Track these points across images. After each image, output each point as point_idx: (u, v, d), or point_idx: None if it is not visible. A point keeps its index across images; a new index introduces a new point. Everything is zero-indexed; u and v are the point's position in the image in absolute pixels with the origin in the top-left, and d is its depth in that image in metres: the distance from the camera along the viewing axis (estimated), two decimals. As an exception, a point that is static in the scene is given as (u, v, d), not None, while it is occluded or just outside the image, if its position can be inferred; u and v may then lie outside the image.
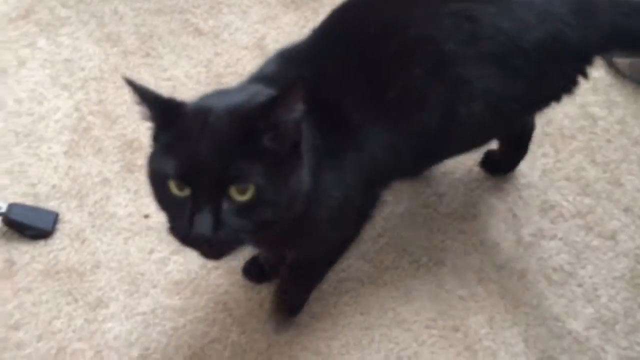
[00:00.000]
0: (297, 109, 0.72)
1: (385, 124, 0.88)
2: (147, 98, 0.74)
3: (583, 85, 1.35)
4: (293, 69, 0.89)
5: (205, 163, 0.70)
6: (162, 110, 0.74)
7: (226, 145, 0.71)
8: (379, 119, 0.88)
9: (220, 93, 0.84)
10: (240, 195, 0.71)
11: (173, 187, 0.72)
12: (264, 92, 0.80)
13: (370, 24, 0.88)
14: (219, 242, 0.72)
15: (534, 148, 1.30)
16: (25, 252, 1.19)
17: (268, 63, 0.93)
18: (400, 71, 0.87)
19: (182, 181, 0.71)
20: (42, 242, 1.20)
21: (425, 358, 1.12)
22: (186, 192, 0.72)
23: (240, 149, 0.71)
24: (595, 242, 1.22)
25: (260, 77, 0.90)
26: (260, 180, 0.71)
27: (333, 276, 1.16)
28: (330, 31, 0.93)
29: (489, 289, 1.17)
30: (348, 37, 0.90)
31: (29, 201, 1.23)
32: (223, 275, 1.18)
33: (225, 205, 0.71)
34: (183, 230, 0.72)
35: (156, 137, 0.77)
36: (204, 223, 0.70)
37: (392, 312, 1.15)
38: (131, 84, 0.74)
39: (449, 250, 1.21)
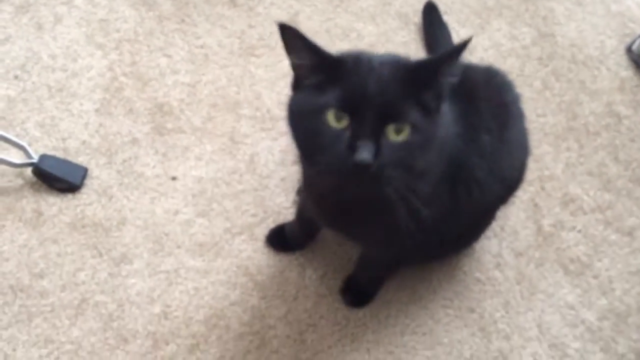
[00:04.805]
0: (455, 74, 0.78)
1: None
2: (307, 45, 0.77)
3: (610, 83, 1.40)
4: None
5: (370, 97, 0.75)
6: (320, 56, 0.78)
7: (391, 88, 0.76)
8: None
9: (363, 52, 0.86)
10: (396, 135, 0.76)
11: (331, 117, 0.76)
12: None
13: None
14: (379, 168, 0.75)
15: (558, 142, 1.32)
16: (53, 204, 1.21)
17: None
18: None
19: (345, 110, 0.76)
20: (70, 196, 1.22)
21: (440, 336, 1.14)
22: (343, 123, 0.76)
23: (403, 95, 0.76)
24: (613, 237, 1.24)
25: None
26: (417, 122, 0.76)
27: (355, 252, 1.18)
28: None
29: (506, 274, 1.19)
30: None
31: (58, 155, 1.25)
32: (246, 241, 1.19)
33: (382, 141, 0.76)
34: (340, 159, 0.75)
35: (299, 83, 0.82)
36: (366, 149, 0.74)
37: (409, 289, 1.17)
38: (285, 28, 0.77)
39: (469, 233, 1.22)
